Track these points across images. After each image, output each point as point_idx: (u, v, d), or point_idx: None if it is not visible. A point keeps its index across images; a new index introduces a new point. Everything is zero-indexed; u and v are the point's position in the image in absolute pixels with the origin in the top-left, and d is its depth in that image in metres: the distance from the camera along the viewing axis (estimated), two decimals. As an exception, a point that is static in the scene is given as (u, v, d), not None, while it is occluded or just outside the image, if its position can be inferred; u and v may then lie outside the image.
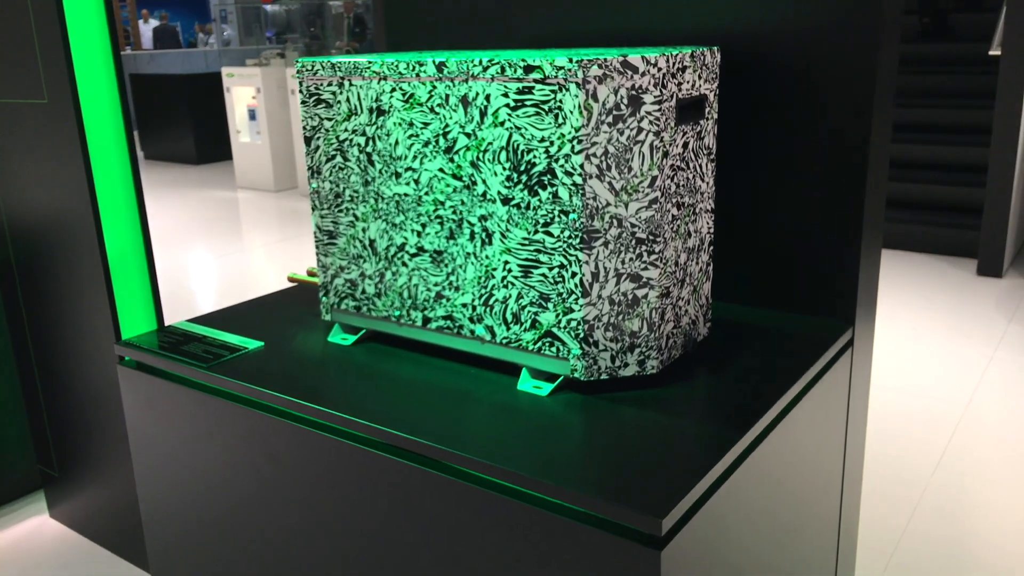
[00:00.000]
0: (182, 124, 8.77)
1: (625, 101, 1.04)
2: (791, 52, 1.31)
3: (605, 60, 1.02)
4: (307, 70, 1.27)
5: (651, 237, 1.09)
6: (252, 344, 1.35)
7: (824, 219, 1.35)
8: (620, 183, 1.06)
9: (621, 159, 1.05)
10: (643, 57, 1.03)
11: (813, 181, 1.34)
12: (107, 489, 2.14)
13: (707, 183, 1.20)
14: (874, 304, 1.46)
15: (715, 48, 1.17)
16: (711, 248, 1.25)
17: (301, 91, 1.29)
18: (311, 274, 1.48)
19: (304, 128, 1.30)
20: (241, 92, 7.21)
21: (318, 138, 1.29)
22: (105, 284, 1.84)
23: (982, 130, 5.19)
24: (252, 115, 7.11)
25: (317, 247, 1.35)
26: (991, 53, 4.34)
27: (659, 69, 1.03)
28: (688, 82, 1.10)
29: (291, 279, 1.47)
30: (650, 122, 1.05)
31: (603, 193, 1.06)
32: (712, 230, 1.24)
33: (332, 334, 1.37)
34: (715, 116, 1.19)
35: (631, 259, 1.09)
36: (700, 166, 1.17)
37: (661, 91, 1.04)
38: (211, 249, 5.53)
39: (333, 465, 1.11)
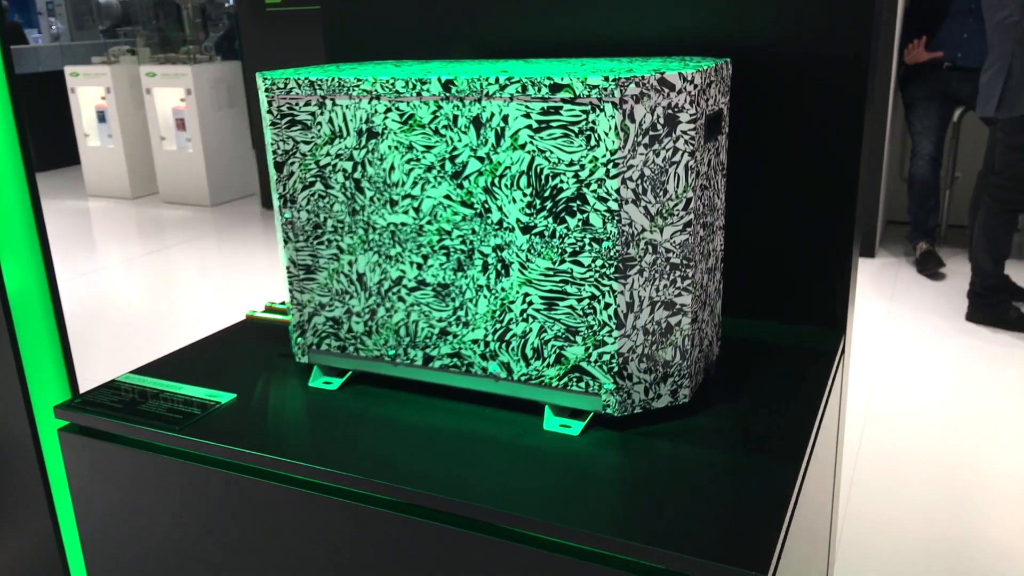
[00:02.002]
0: (16, 128, 8.00)
1: (661, 120, 0.97)
2: (780, 63, 1.29)
3: (642, 78, 0.95)
4: (278, 87, 1.13)
5: (685, 262, 1.04)
6: (223, 397, 1.20)
7: (817, 228, 1.33)
8: (655, 207, 1.00)
9: (656, 182, 0.99)
10: (680, 74, 0.96)
11: (805, 191, 1.33)
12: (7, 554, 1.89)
13: (722, 200, 1.15)
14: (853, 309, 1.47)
15: (728, 60, 1.12)
16: (721, 266, 1.21)
17: (270, 111, 1.15)
18: (274, 310, 1.33)
19: (274, 153, 1.16)
20: (88, 92, 6.66)
21: (292, 163, 1.15)
22: (6, 325, 1.61)
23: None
24: (102, 117, 6.58)
25: (291, 283, 1.21)
26: None
27: (695, 86, 0.98)
28: (712, 97, 1.05)
29: (251, 317, 1.32)
30: (685, 142, 0.99)
31: (638, 218, 0.99)
32: (723, 248, 1.20)
33: (312, 378, 1.23)
34: (727, 131, 1.15)
35: (665, 286, 1.03)
36: (717, 183, 1.12)
37: (696, 109, 0.98)
38: (63, 268, 5.07)
39: (349, 532, 0.99)
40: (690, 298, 1.05)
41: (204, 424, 1.12)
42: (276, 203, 1.19)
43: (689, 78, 0.97)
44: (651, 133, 0.97)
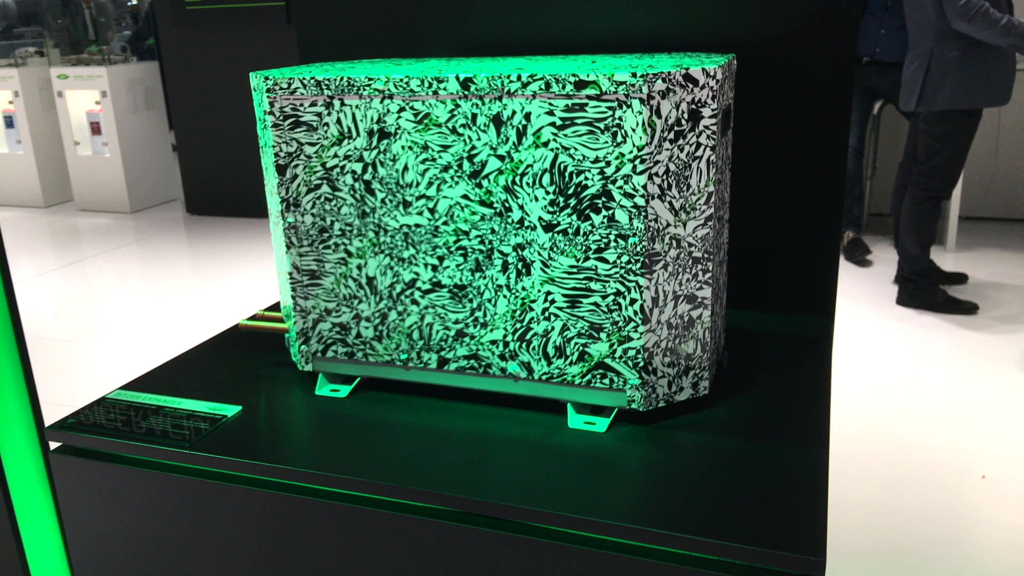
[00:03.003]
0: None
1: (686, 116, 0.98)
2: (766, 59, 1.32)
3: (669, 73, 0.95)
4: (281, 88, 1.09)
5: (706, 255, 1.05)
6: (228, 410, 1.15)
7: (805, 219, 1.37)
8: (679, 202, 1.01)
9: (680, 177, 1.00)
10: (703, 69, 0.97)
11: (793, 183, 1.36)
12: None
13: (728, 193, 1.17)
14: (835, 295, 1.52)
15: (734, 56, 1.14)
16: (727, 258, 1.23)
17: (271, 112, 1.11)
18: (264, 318, 1.29)
19: (276, 155, 1.12)
20: (-9, 96, 6.31)
21: (296, 166, 1.12)
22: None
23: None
24: (9, 122, 6.25)
25: (293, 289, 1.17)
26: None
27: (717, 81, 0.99)
28: (725, 92, 1.07)
29: (243, 327, 1.28)
30: (707, 136, 1.00)
31: (664, 214, 1.00)
32: (728, 240, 1.22)
33: (319, 387, 1.20)
34: (732, 125, 1.17)
35: (688, 279, 1.04)
36: (726, 177, 1.14)
37: (717, 104, 1.00)
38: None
39: (382, 540, 0.97)
40: (710, 291, 1.06)
41: (215, 439, 1.08)
42: (277, 207, 1.15)
43: (712, 73, 0.98)
44: (676, 128, 0.98)
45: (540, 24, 1.41)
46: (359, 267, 1.13)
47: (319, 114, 1.09)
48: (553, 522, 0.91)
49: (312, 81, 1.07)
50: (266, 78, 1.10)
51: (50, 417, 1.40)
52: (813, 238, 1.37)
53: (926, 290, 3.65)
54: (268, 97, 1.10)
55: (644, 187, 0.97)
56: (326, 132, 1.09)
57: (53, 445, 1.15)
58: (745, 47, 1.32)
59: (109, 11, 9.15)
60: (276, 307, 1.52)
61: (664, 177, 0.98)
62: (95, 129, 5.95)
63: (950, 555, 2.08)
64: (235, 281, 4.66)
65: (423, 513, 0.96)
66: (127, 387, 1.24)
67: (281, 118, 1.11)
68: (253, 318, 1.32)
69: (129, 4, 9.10)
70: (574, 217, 1.01)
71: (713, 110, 0.99)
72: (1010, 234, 4.67)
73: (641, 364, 1.04)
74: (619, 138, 0.97)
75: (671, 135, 0.97)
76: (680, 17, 1.34)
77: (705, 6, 1.32)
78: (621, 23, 1.37)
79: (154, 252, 5.42)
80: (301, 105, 1.09)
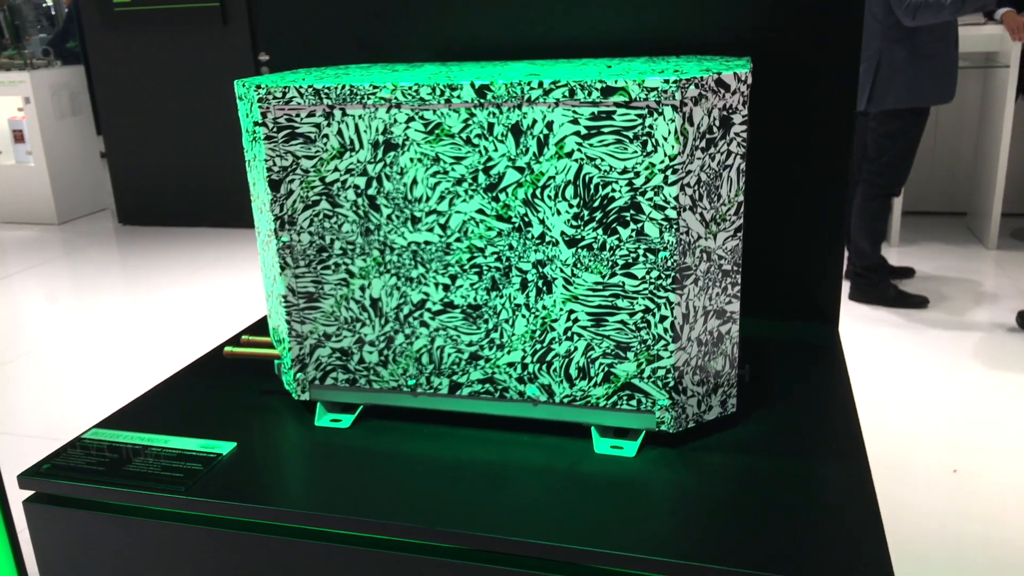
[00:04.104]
0: None
1: (717, 123, 0.93)
2: (770, 63, 1.28)
3: (701, 79, 0.90)
4: (274, 97, 1.01)
5: (735, 268, 1.00)
6: (222, 447, 1.06)
7: (810, 226, 1.34)
8: (710, 213, 0.96)
9: (712, 186, 0.95)
10: (735, 74, 0.93)
11: (800, 189, 1.33)
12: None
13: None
14: (832, 300, 1.50)
15: (750, 59, 1.10)
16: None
17: (263, 123, 1.02)
18: (251, 343, 1.20)
19: (270, 170, 1.04)
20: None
21: (291, 181, 1.03)
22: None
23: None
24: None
25: (288, 313, 1.09)
26: None
27: (748, 86, 0.94)
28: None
29: (229, 353, 1.18)
30: (738, 144, 0.95)
31: (695, 226, 0.95)
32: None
33: (318, 417, 1.12)
34: (747, 130, 1.12)
35: (717, 294, 1.00)
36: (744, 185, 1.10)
37: (747, 109, 0.95)
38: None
39: (410, 587, 0.90)
40: (738, 304, 1.02)
41: (211, 481, 0.99)
42: (269, 226, 1.07)
43: (743, 78, 0.93)
44: (707, 136, 0.93)
45: (522, 27, 1.35)
46: (362, 288, 1.05)
47: (317, 125, 1.00)
48: (588, 559, 0.85)
49: (310, 90, 0.99)
50: (257, 86, 1.01)
51: None
52: (817, 243, 1.35)
53: (877, 285, 3.71)
54: (260, 107, 1.01)
55: (676, 198, 0.92)
56: (325, 144, 1.01)
57: (25, 494, 1.04)
58: (745, 50, 1.28)
59: (24, 13, 8.74)
60: (256, 328, 1.43)
61: (696, 187, 0.93)
62: (18, 137, 5.65)
63: (924, 550, 2.09)
64: (174, 296, 4.47)
65: (443, 554, 0.89)
66: (104, 424, 1.14)
67: (275, 129, 1.02)
68: (238, 343, 1.22)
69: (44, 5, 8.71)
70: (600, 231, 0.95)
71: (744, 116, 0.95)
72: (950, 227, 4.79)
73: (671, 384, 0.99)
74: (649, 147, 0.91)
75: (703, 143, 0.93)
76: (670, 18, 1.30)
77: (688, 7, 1.28)
78: (608, 25, 1.32)
79: (84, 266, 5.17)
80: (297, 115, 1.01)
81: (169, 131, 5.35)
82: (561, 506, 0.92)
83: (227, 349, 1.19)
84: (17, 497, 1.08)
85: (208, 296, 4.38)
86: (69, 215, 5.95)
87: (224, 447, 1.06)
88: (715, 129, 0.93)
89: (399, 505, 0.93)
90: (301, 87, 1.00)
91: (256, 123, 1.03)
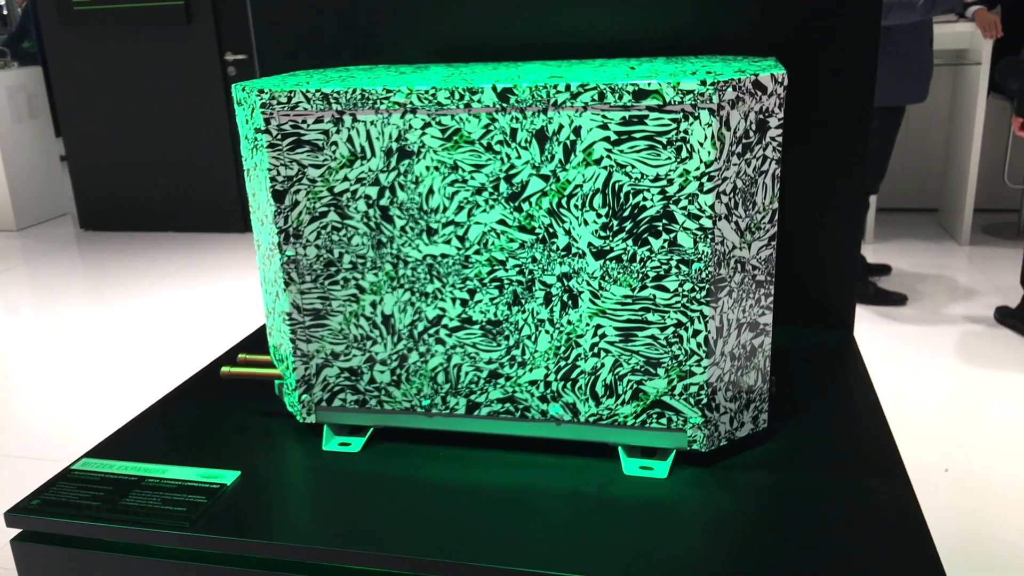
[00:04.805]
0: None
1: (754, 127, 0.89)
2: (790, 61, 1.24)
3: (738, 81, 0.86)
4: (278, 102, 0.94)
5: (768, 278, 0.96)
6: (225, 477, 0.99)
7: (826, 230, 1.30)
8: (745, 221, 0.91)
9: (747, 194, 0.90)
10: (772, 75, 0.88)
11: (817, 194, 1.29)
12: None
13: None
14: (842, 305, 1.47)
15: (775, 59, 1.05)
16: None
17: (267, 130, 0.95)
18: (249, 363, 1.13)
19: (273, 180, 0.97)
20: None
21: (297, 192, 0.97)
22: None
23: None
24: None
25: (293, 332, 1.02)
26: None
27: (784, 88, 0.90)
28: (777, 99, 0.98)
29: (228, 374, 1.11)
30: (773, 148, 0.91)
31: (730, 235, 0.90)
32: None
33: (326, 441, 1.05)
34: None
35: (751, 305, 0.95)
36: (771, 190, 1.06)
37: (783, 112, 0.91)
38: None
39: (438, 625, 0.84)
40: (770, 316, 0.98)
41: (217, 515, 0.92)
42: (271, 239, 1.00)
43: (780, 79, 0.89)
44: (743, 141, 0.88)
45: (523, 26, 1.30)
46: (373, 304, 0.99)
47: (326, 132, 0.94)
48: (637, 591, 0.80)
49: (317, 94, 0.93)
50: (260, 91, 0.94)
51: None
52: (833, 247, 1.31)
53: (857, 283, 3.72)
54: (263, 113, 0.95)
55: (712, 207, 0.87)
56: (334, 152, 0.95)
57: (12, 532, 0.96)
58: (755, 48, 1.24)
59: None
60: (251, 345, 1.36)
61: (731, 195, 0.89)
62: (-28, 141, 5.46)
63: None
64: (139, 304, 4.34)
65: (482, 589, 0.84)
66: (94, 454, 1.06)
67: (279, 137, 0.95)
68: (234, 362, 1.15)
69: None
70: (629, 242, 0.90)
71: (780, 119, 0.90)
72: (922, 224, 4.83)
73: (704, 401, 0.94)
74: (684, 153, 0.86)
75: (739, 148, 0.88)
76: (673, 16, 1.25)
77: (691, 5, 1.23)
78: (613, 23, 1.27)
79: (45, 274, 5.01)
80: (304, 122, 0.94)
81: (131, 133, 5.21)
82: (592, 533, 0.87)
83: (224, 369, 1.12)
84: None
85: (175, 305, 4.26)
86: (28, 221, 5.77)
87: (227, 476, 0.99)
88: (751, 133, 0.88)
89: (421, 536, 0.87)
90: (308, 91, 0.93)
91: (258, 130, 0.96)
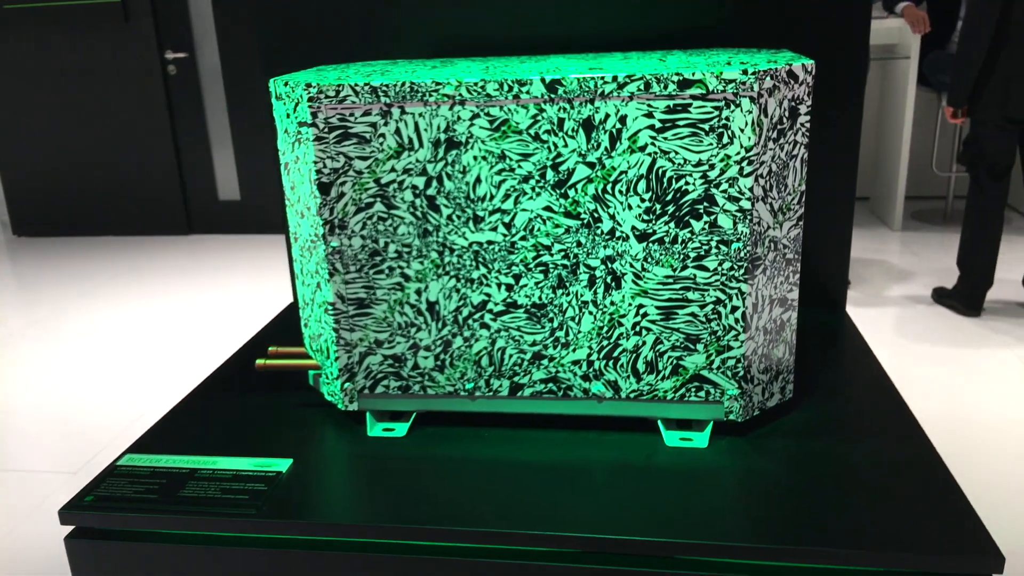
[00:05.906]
0: None
1: (787, 114, 0.94)
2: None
3: (775, 71, 0.91)
4: (326, 96, 0.96)
5: (796, 256, 1.02)
6: (279, 465, 1.01)
7: (823, 217, 1.38)
8: (778, 203, 0.97)
9: (780, 177, 0.96)
10: (803, 65, 0.94)
11: (814, 182, 1.36)
12: None
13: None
14: (828, 284, 1.55)
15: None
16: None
17: (313, 123, 0.97)
18: (283, 354, 1.14)
19: (320, 172, 0.99)
20: None
21: (343, 183, 0.99)
22: None
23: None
24: None
25: (336, 321, 1.04)
26: None
27: (812, 77, 0.96)
28: (797, 88, 1.04)
29: (262, 366, 1.12)
30: (803, 134, 0.97)
31: (765, 216, 0.96)
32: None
33: (370, 427, 1.08)
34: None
35: (781, 282, 1.01)
36: (787, 174, 1.12)
37: (811, 100, 0.97)
38: None
39: (508, 595, 0.88)
40: (797, 292, 1.04)
41: (282, 501, 0.94)
42: (314, 231, 1.02)
43: (809, 70, 0.95)
44: (779, 127, 0.94)
45: (523, 24, 1.34)
46: (418, 292, 1.02)
47: (373, 124, 0.96)
48: (685, 551, 0.85)
49: (366, 88, 0.95)
50: (307, 85, 0.96)
51: None
52: (827, 230, 1.39)
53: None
54: (310, 107, 0.96)
55: (751, 189, 0.93)
56: (382, 144, 0.97)
57: (65, 530, 0.96)
58: (754, 41, 1.31)
59: None
60: (268, 337, 1.36)
61: (767, 178, 0.95)
62: None
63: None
64: (78, 313, 4.21)
65: (528, 557, 0.87)
66: (135, 449, 1.06)
67: (326, 130, 0.97)
68: (266, 355, 1.16)
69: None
70: (672, 225, 0.95)
71: (808, 107, 0.96)
72: (856, 211, 5.04)
73: (740, 373, 1.00)
74: (725, 139, 0.92)
75: (775, 134, 0.94)
76: (675, 15, 1.31)
77: (686, 3, 1.30)
78: (619, 19, 1.32)
79: (-21, 281, 4.82)
80: (351, 115, 0.96)
81: (68, 134, 5.05)
82: (643, 500, 0.91)
83: (259, 362, 1.13)
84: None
85: (114, 311, 4.13)
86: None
87: (281, 464, 1.00)
88: (785, 120, 0.94)
89: (481, 510, 0.90)
90: (356, 85, 0.95)
91: (303, 123, 0.98)
